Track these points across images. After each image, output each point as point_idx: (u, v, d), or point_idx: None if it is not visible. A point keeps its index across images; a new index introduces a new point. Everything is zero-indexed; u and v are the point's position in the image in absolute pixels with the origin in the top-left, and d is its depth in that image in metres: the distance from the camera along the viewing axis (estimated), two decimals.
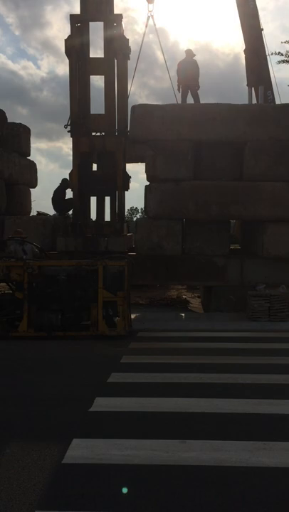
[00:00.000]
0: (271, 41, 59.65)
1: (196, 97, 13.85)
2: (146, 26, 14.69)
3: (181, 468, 4.07)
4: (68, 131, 13.23)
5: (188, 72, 13.81)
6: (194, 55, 14.18)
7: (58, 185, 14.08)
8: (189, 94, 13.98)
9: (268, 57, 17.27)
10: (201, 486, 3.79)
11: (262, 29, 17.51)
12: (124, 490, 3.68)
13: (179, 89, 14.07)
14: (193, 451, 4.38)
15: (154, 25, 14.82)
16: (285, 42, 11.23)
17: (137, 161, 13.24)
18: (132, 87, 14.52)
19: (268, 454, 4.31)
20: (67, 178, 13.75)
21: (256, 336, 9.54)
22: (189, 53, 14.19)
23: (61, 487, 3.80)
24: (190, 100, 13.95)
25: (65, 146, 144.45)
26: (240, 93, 18.70)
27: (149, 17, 14.66)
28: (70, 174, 13.38)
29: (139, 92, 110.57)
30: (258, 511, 3.45)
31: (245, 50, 17.96)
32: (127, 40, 13.60)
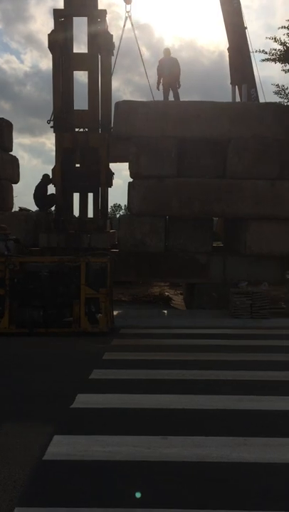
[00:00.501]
0: (256, 39, 59.85)
1: (176, 96, 13.86)
2: (124, 26, 14.64)
3: (162, 464, 4.08)
4: (51, 127, 13.15)
5: (170, 70, 13.81)
6: (170, 54, 14.19)
7: (40, 180, 14.00)
8: (171, 92, 13.97)
9: (251, 55, 17.35)
10: (183, 481, 3.80)
11: (245, 27, 17.59)
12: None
13: (158, 87, 14.06)
14: (175, 447, 4.39)
15: (132, 25, 14.82)
16: (269, 38, 11.22)
17: (120, 161, 13.21)
18: (116, 83, 14.48)
19: (249, 450, 4.33)
20: (49, 173, 13.67)
21: (238, 332, 9.59)
22: (167, 52, 14.19)
23: (42, 484, 3.77)
24: (171, 98, 13.95)
25: (49, 141, 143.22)
26: (224, 91, 18.83)
27: (126, 18, 14.61)
28: (53, 170, 13.30)
29: (123, 89, 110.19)
30: (239, 506, 3.47)
31: (228, 48, 18.01)
32: (111, 36, 13.55)
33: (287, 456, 4.20)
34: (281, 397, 5.72)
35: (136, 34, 26.31)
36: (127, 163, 12.20)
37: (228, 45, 17.97)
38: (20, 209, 14.81)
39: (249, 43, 17.49)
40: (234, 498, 3.58)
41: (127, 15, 14.67)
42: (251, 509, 3.42)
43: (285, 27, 10.94)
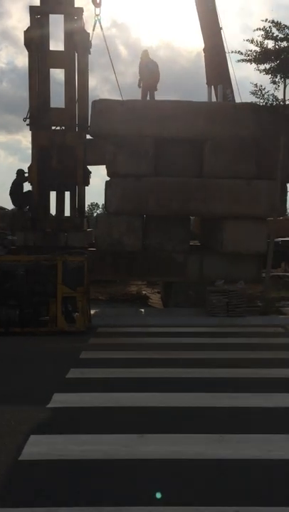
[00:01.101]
0: (234, 40, 60.26)
1: (152, 97, 13.87)
2: (93, 30, 14.44)
3: (139, 462, 4.09)
4: (27, 125, 13.05)
5: (151, 74, 13.83)
6: (149, 55, 14.19)
7: (15, 177, 13.87)
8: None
9: (227, 55, 17.45)
10: (159, 479, 3.82)
11: (221, 28, 17.67)
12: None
13: (139, 85, 14.05)
14: (151, 445, 4.41)
15: (101, 29, 14.59)
16: (246, 40, 11.30)
17: (97, 164, 13.13)
18: (94, 82, 14.41)
19: (224, 447, 4.38)
20: (24, 169, 13.55)
21: (214, 331, 9.67)
22: (146, 54, 14.20)
23: (17, 484, 3.75)
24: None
25: (25, 139, 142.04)
26: (203, 90, 18.88)
27: (96, 21, 14.43)
28: (29, 168, 13.20)
29: (101, 87, 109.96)
30: (215, 503, 3.50)
31: (204, 49, 18.09)
32: (88, 34, 13.51)
33: (262, 453, 4.26)
34: (256, 394, 5.79)
35: (107, 38, 26.08)
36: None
37: (203, 46, 18.06)
38: None
39: (225, 43, 17.61)
40: (211, 495, 3.61)
41: (96, 18, 14.49)
42: (228, 505, 3.46)
43: (260, 28, 11.02)
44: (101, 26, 14.53)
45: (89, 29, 14.04)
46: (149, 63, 14.00)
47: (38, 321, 9.40)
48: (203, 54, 18.24)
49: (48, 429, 4.78)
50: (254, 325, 10.22)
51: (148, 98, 13.79)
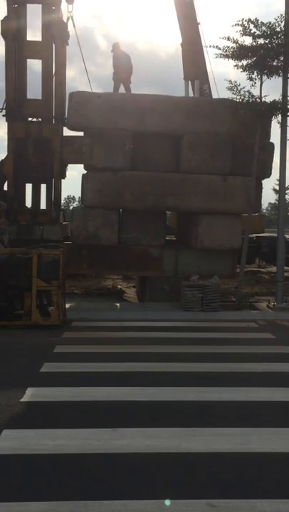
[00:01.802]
0: (213, 35, 60.04)
1: (127, 90, 13.78)
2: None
3: (113, 456, 4.11)
4: (3, 115, 12.87)
5: (125, 66, 13.72)
6: (120, 47, 14.04)
7: None
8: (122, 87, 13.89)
9: (205, 50, 17.47)
10: (133, 473, 3.85)
11: (198, 23, 17.68)
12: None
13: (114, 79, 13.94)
14: (125, 438, 4.43)
15: (74, 26, 14.28)
16: (222, 38, 11.34)
17: (76, 163, 12.98)
18: (72, 73, 14.20)
19: (197, 440, 4.43)
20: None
21: (189, 325, 9.74)
22: (117, 46, 14.03)
23: None
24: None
25: (1, 130, 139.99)
26: (182, 85, 18.89)
27: (68, 18, 14.16)
28: (5, 160, 13.02)
29: (79, 78, 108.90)
30: (188, 495, 3.54)
31: (182, 43, 18.09)
32: (66, 25, 13.36)
33: (235, 446, 4.33)
34: (228, 388, 5.86)
35: (86, 29, 25.77)
36: None
37: (181, 40, 18.06)
38: None
39: (202, 38, 17.64)
40: (184, 488, 3.65)
41: (69, 15, 14.23)
42: (201, 498, 3.50)
43: (237, 24, 11.06)
44: (73, 23, 14.26)
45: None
46: (121, 56, 13.87)
47: (12, 315, 9.33)
48: (180, 48, 18.25)
49: (21, 423, 4.76)
50: (228, 320, 10.34)
51: (123, 91, 13.70)
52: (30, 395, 5.52)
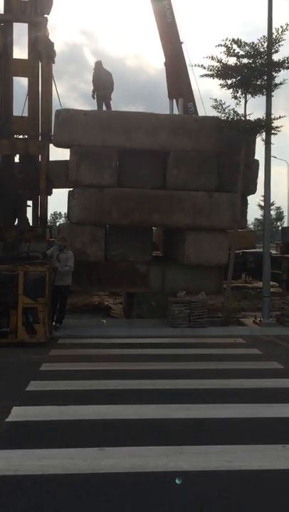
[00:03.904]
0: (199, 52, 60.94)
1: (109, 108, 13.90)
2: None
3: (99, 476, 4.06)
4: None
5: (105, 84, 13.85)
6: (102, 65, 14.20)
7: None
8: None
9: (190, 69, 17.64)
10: (120, 492, 3.80)
11: (182, 42, 17.87)
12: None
13: (93, 96, 14.06)
14: (112, 458, 4.38)
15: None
16: (206, 57, 11.53)
17: (66, 187, 13.01)
18: (61, 89, 14.23)
19: (185, 458, 4.40)
20: None
21: (176, 341, 9.72)
22: (99, 64, 14.20)
23: None
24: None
25: None
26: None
27: None
28: None
29: (67, 95, 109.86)
30: None
31: (165, 63, 18.26)
32: (52, 43, 13.46)
33: (223, 463, 4.30)
34: (216, 405, 5.84)
35: (75, 46, 25.96)
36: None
37: (164, 59, 18.23)
38: None
39: (187, 57, 17.85)
40: (171, 507, 3.61)
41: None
42: None
43: (221, 45, 11.25)
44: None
45: (56, 37, 14.01)
46: (102, 73, 14.00)
47: None
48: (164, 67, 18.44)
49: (5, 443, 4.69)
50: (215, 336, 10.33)
51: (104, 108, 13.81)
52: (15, 414, 5.44)
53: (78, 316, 12.48)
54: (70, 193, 12.08)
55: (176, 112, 17.71)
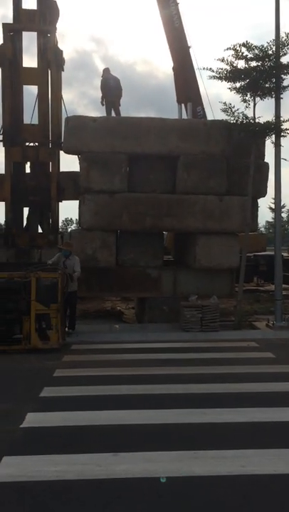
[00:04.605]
0: (206, 56, 60.68)
1: (118, 114, 13.99)
2: None
3: (113, 481, 4.07)
4: (0, 141, 13.02)
5: (114, 90, 13.95)
6: (110, 72, 14.31)
7: None
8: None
9: (198, 73, 17.68)
10: (134, 497, 3.81)
11: (190, 46, 17.91)
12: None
13: (102, 103, 14.17)
14: (126, 463, 4.39)
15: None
16: (217, 59, 11.55)
17: (74, 199, 13.11)
18: (71, 96, 14.37)
19: (199, 463, 4.39)
20: None
21: (189, 346, 9.70)
22: (107, 71, 14.32)
23: None
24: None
25: (0, 155, 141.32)
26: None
27: None
28: (3, 184, 13.13)
29: (77, 101, 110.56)
30: None
31: (173, 68, 18.32)
32: (61, 51, 13.61)
33: (238, 468, 4.28)
34: (230, 409, 5.82)
35: (84, 53, 26.09)
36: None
37: (172, 64, 18.29)
38: None
39: (195, 61, 17.89)
40: None
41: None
42: None
43: (230, 48, 11.28)
44: None
45: (66, 45, 14.15)
46: (110, 80, 14.12)
47: (11, 339, 9.29)
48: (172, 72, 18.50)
49: (20, 449, 4.72)
50: (228, 339, 10.29)
51: (112, 114, 13.90)
52: (30, 420, 5.47)
53: (90, 322, 12.52)
54: (80, 199, 12.15)
55: (184, 116, 17.74)
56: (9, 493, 3.88)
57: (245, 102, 11.63)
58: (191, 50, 17.89)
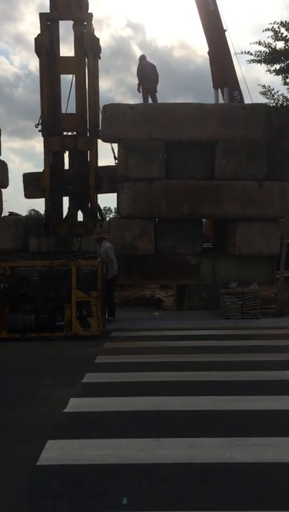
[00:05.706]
0: (241, 40, 59.79)
1: (155, 101, 13.94)
2: None
3: (155, 466, 4.10)
4: (39, 131, 13.15)
5: (151, 76, 13.98)
6: (146, 58, 14.36)
7: None
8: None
9: (234, 57, 17.33)
10: (176, 483, 3.83)
11: (225, 30, 17.55)
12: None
13: (139, 90, 14.16)
14: (168, 448, 4.41)
15: None
16: (254, 43, 11.31)
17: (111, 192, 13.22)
18: (108, 84, 14.48)
19: (242, 450, 4.37)
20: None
21: (229, 333, 9.64)
22: (143, 57, 14.34)
23: (35, 489, 3.78)
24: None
25: (39, 144, 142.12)
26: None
27: None
28: (42, 174, 13.28)
29: (115, 89, 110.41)
30: (233, 507, 3.50)
31: (209, 52, 18.01)
32: (98, 39, 13.56)
33: (280, 456, 4.24)
34: (271, 397, 5.77)
35: (121, 39, 26.12)
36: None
37: (208, 49, 17.98)
38: (10, 214, 14.74)
39: (231, 45, 17.52)
40: (228, 499, 3.60)
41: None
42: (245, 509, 3.45)
43: (268, 29, 11.00)
44: None
45: (98, 34, 14.16)
46: (147, 66, 14.13)
47: (53, 326, 9.46)
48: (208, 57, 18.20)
49: (64, 434, 4.81)
50: (268, 327, 10.17)
51: (149, 101, 13.86)
52: (72, 405, 5.57)
53: (130, 309, 12.60)
54: (118, 187, 12.18)
55: (221, 101, 17.47)
56: (54, 476, 3.97)
57: (286, 84, 11.35)
58: (226, 34, 17.57)
